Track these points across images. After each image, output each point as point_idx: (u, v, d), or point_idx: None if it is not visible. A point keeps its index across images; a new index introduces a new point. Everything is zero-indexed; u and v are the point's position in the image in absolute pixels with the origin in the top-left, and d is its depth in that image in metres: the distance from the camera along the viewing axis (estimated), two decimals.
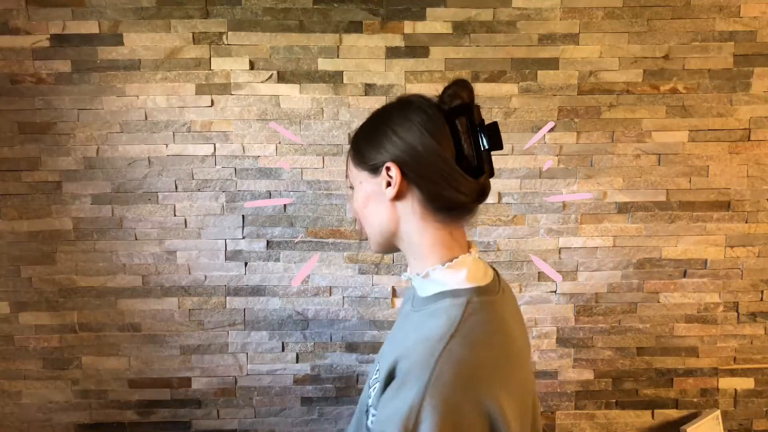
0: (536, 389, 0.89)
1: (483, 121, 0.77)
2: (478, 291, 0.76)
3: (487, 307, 0.75)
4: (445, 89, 0.77)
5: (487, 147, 0.76)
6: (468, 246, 0.82)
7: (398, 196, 0.77)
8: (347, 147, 1.97)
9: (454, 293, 0.76)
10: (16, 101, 1.92)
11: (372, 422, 0.74)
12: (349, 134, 1.97)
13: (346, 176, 0.86)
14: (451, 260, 0.78)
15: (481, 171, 0.76)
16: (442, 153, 0.74)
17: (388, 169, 0.76)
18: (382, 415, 0.69)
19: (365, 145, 0.80)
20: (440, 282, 0.78)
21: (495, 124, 0.76)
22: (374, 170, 0.78)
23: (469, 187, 0.75)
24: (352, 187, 0.84)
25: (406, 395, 0.66)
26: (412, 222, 0.78)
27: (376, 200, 0.79)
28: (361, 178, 0.81)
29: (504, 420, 0.66)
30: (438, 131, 0.75)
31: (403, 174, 0.76)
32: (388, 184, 0.76)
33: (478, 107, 0.77)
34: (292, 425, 2.10)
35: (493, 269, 0.86)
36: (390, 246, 0.84)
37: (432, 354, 0.67)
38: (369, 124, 0.82)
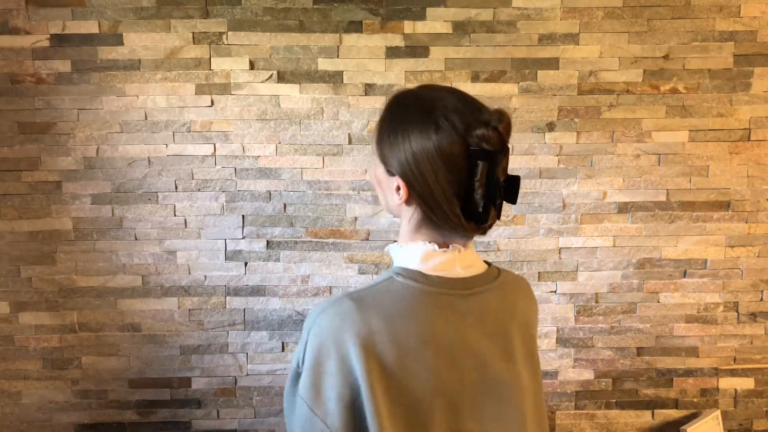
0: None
1: (506, 169, 0.74)
2: (416, 275, 0.76)
3: (410, 291, 0.75)
4: (476, 126, 0.71)
5: (499, 202, 0.74)
6: (461, 245, 0.79)
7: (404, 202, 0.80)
8: (347, 147, 1.98)
9: (394, 269, 0.79)
10: (16, 101, 1.92)
11: None
12: (349, 134, 1.97)
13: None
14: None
15: (484, 220, 0.74)
16: (449, 196, 0.73)
17: (398, 181, 0.77)
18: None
19: (386, 145, 0.78)
20: (394, 257, 0.82)
21: (517, 180, 0.74)
22: (389, 172, 0.79)
23: (467, 230, 0.76)
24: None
25: (304, 332, 0.76)
26: (408, 225, 0.80)
27: (387, 188, 0.80)
28: (376, 165, 0.81)
29: (371, 397, 0.70)
30: (455, 168, 0.72)
31: (410, 192, 0.76)
32: (398, 189, 0.77)
33: (506, 154, 0.73)
34: None
35: (497, 272, 0.83)
36: None
37: (330, 300, 0.75)
38: (395, 121, 0.78)
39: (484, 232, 0.77)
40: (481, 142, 0.71)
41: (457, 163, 0.72)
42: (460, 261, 0.78)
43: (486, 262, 0.85)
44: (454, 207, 0.73)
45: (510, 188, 0.75)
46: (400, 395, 0.72)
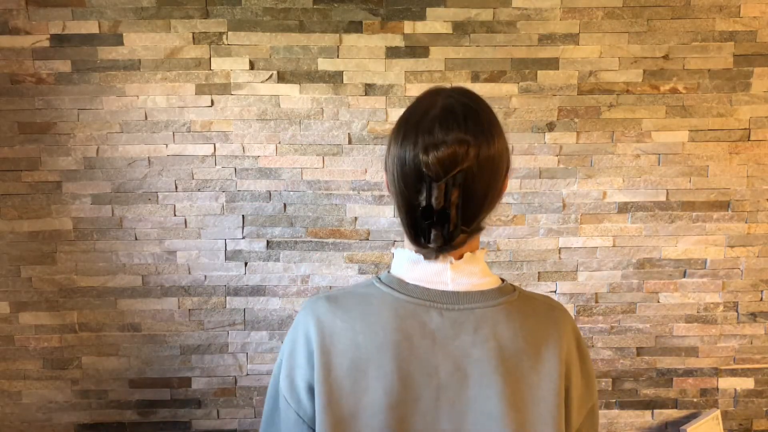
0: None
1: (442, 199, 0.69)
2: (395, 282, 0.76)
3: (382, 297, 0.75)
4: (423, 148, 0.71)
5: (439, 228, 0.71)
6: (454, 255, 0.76)
7: None
8: (347, 147, 1.98)
9: (382, 273, 0.80)
10: (16, 101, 1.92)
11: None
12: (349, 134, 1.97)
13: None
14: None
15: (425, 239, 0.72)
16: (402, 206, 0.75)
17: (385, 177, 0.80)
18: None
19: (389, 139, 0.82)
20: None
21: (446, 216, 0.69)
22: (385, 166, 0.82)
23: (417, 243, 0.74)
24: None
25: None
26: None
27: None
28: None
29: (318, 395, 0.73)
30: (408, 182, 0.73)
31: (390, 190, 0.79)
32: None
33: (443, 184, 0.69)
34: None
35: (509, 293, 0.77)
36: None
37: (311, 297, 0.80)
38: (398, 120, 0.80)
39: (438, 249, 0.73)
40: (422, 165, 0.71)
41: (408, 178, 0.73)
42: (453, 273, 0.76)
43: (502, 279, 0.80)
44: (405, 218, 0.75)
45: (441, 219, 0.70)
46: (338, 406, 0.72)
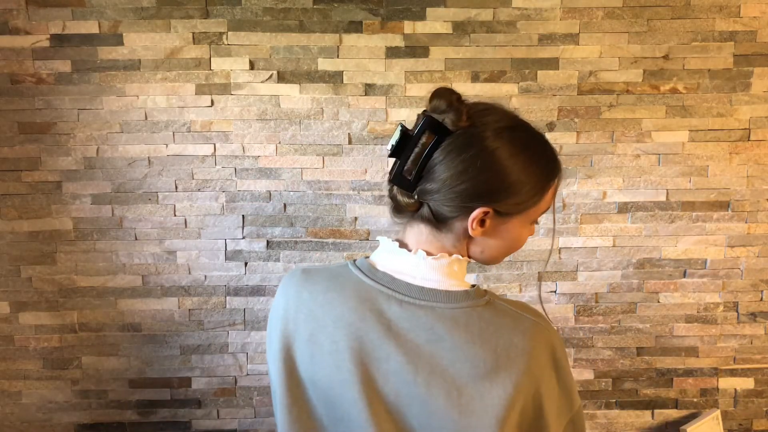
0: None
1: (417, 126, 0.74)
2: (368, 267, 0.78)
3: (349, 278, 0.78)
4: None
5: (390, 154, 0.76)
6: (431, 252, 0.77)
7: None
8: (347, 147, 1.98)
9: (360, 258, 0.83)
10: (16, 101, 1.92)
11: None
12: (349, 134, 1.97)
13: None
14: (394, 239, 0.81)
15: (392, 173, 0.77)
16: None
17: None
18: None
19: None
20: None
21: (402, 135, 0.74)
22: None
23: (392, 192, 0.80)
24: None
25: None
26: None
27: None
28: None
29: (273, 362, 0.79)
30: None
31: None
32: None
33: (421, 116, 0.74)
34: None
35: (479, 301, 0.75)
36: None
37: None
38: None
39: (393, 202, 0.79)
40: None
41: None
42: (425, 269, 0.76)
43: (478, 286, 0.79)
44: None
45: (405, 149, 0.74)
46: (296, 378, 0.77)
